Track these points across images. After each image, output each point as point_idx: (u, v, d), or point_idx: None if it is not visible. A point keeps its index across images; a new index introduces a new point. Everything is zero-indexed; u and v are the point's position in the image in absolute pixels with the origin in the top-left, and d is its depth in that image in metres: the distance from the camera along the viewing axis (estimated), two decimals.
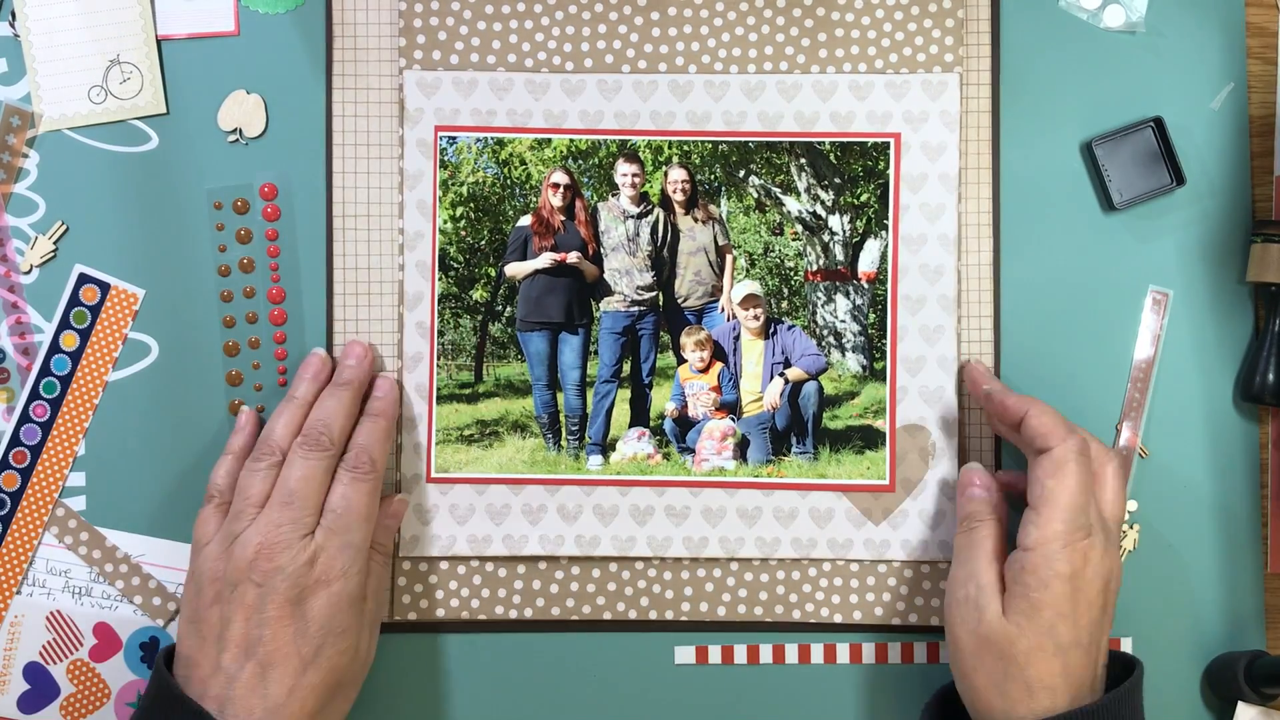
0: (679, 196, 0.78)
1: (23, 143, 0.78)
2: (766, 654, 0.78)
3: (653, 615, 0.77)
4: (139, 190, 0.78)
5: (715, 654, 0.78)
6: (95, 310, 0.78)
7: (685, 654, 0.78)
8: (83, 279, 0.78)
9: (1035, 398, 0.73)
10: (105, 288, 0.78)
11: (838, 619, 0.77)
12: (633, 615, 0.77)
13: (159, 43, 0.78)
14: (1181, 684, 0.78)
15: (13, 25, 0.78)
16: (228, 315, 0.78)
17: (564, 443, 0.78)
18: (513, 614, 0.77)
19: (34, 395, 0.77)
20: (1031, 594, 0.68)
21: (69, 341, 0.78)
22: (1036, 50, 0.78)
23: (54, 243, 0.78)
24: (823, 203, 0.78)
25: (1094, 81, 0.78)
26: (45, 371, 0.78)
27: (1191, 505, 0.78)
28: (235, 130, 0.78)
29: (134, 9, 0.78)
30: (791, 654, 0.78)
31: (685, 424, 0.78)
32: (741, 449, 0.78)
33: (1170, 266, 0.78)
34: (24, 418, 0.77)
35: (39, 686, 0.78)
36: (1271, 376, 0.76)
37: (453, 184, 0.78)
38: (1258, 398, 0.77)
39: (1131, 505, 0.78)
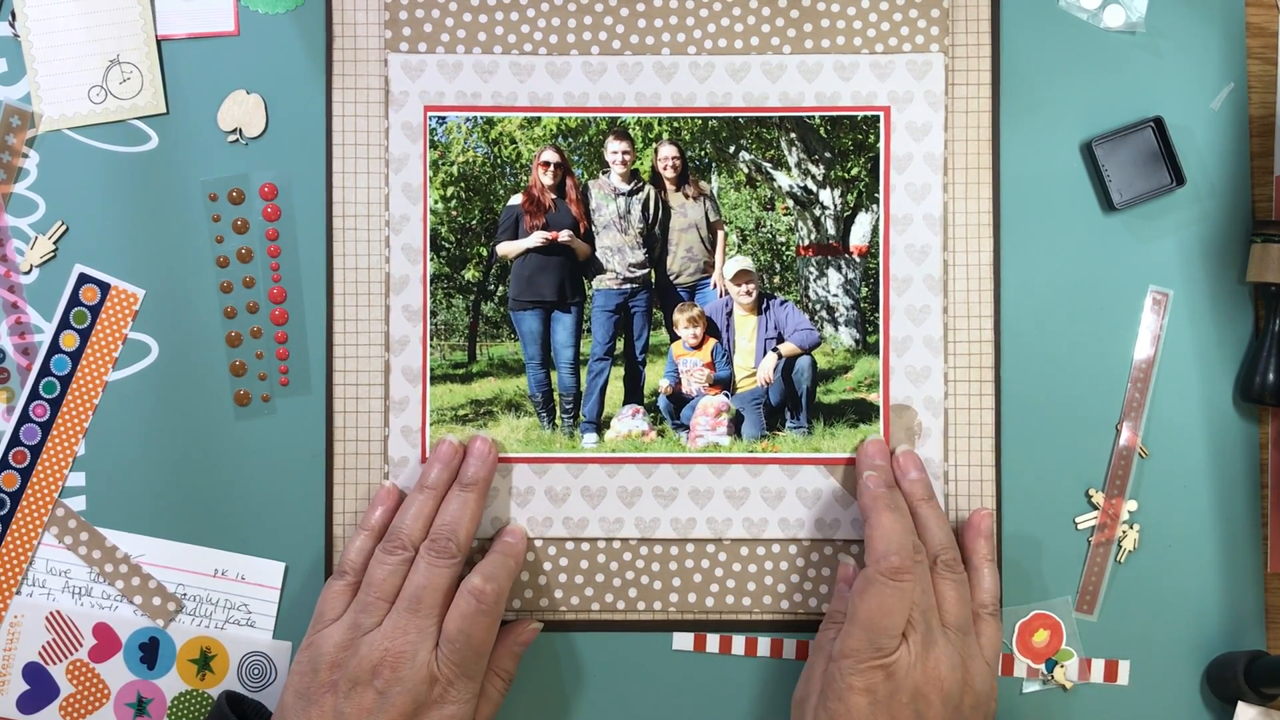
0: (669, 173, 0.78)
1: (23, 143, 0.78)
2: (764, 647, 0.78)
3: (641, 606, 0.77)
4: (139, 190, 0.78)
5: (713, 642, 0.78)
6: (95, 310, 0.78)
7: (683, 640, 0.78)
8: (83, 279, 0.78)
9: (891, 504, 0.72)
10: (105, 288, 0.78)
11: (825, 608, 0.77)
12: (621, 606, 0.77)
13: (159, 43, 0.78)
14: (1181, 684, 0.78)
15: (13, 25, 0.78)
16: (228, 306, 0.78)
17: (559, 421, 0.78)
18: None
19: (34, 395, 0.77)
20: (829, 703, 0.69)
21: (69, 341, 0.78)
22: (1036, 50, 0.78)
23: (54, 243, 0.78)
24: (813, 177, 0.78)
25: (1094, 81, 0.78)
26: (45, 371, 0.78)
27: (1191, 505, 0.78)
28: (235, 130, 0.78)
29: (134, 9, 0.78)
30: (789, 649, 0.78)
31: (679, 400, 0.78)
32: (736, 425, 0.78)
33: (1170, 266, 0.78)
34: (24, 418, 0.77)
35: (38, 687, 0.78)
36: (1271, 376, 0.76)
37: (443, 164, 0.78)
38: (1258, 398, 0.77)
39: (1132, 505, 0.78)
